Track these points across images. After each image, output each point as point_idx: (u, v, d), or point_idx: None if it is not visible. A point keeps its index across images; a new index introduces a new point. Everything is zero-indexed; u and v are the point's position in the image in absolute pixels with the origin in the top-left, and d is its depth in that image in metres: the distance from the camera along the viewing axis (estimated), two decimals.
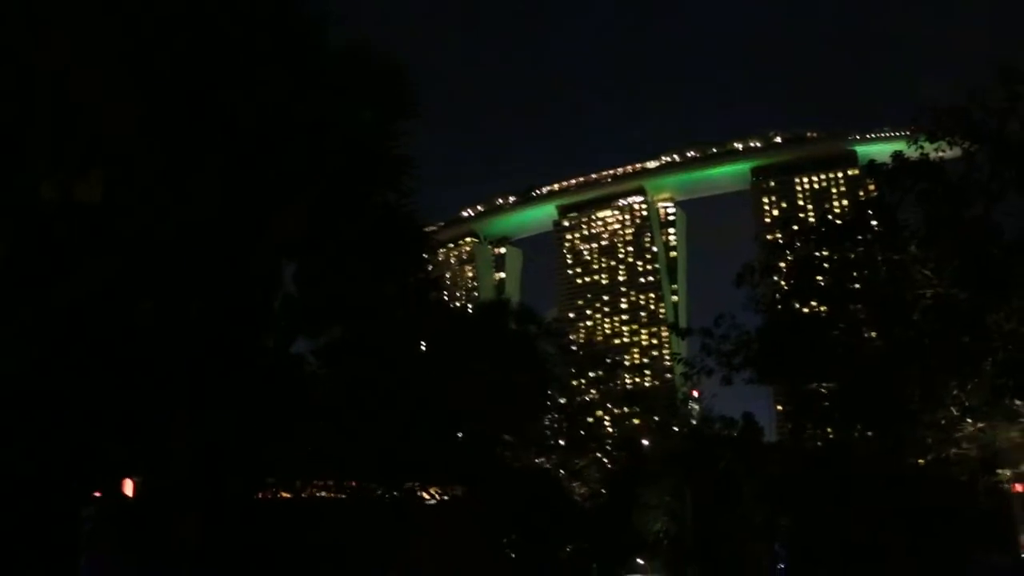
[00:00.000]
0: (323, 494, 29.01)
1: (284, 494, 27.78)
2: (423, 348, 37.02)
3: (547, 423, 64.07)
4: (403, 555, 27.11)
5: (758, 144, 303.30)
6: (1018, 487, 39.51)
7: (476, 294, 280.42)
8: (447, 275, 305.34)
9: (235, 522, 22.58)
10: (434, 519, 33.87)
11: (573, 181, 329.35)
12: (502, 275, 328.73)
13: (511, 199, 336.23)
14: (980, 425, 37.08)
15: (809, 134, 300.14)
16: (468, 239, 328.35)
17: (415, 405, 30.29)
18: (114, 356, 18.69)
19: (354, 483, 29.65)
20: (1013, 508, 40.29)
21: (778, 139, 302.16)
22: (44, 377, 17.47)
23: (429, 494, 36.14)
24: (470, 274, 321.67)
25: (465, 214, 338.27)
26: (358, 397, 28.24)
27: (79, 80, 17.49)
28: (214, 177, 20.21)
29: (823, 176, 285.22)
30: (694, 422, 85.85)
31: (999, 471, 37.71)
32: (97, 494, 20.88)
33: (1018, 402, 34.15)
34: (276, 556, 21.87)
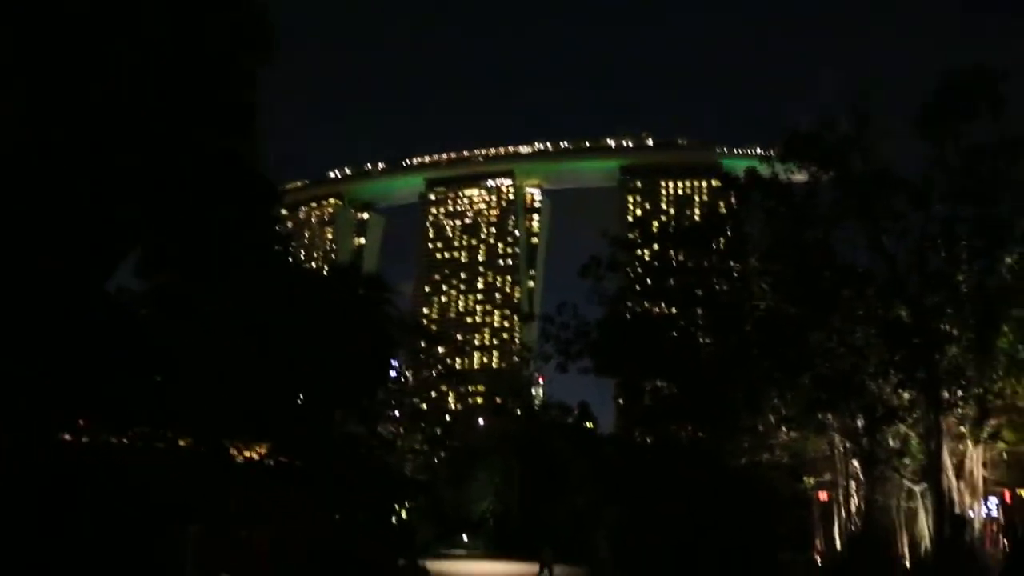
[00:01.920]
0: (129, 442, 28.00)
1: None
2: (262, 303, 36.07)
3: (387, 395, 63.70)
4: (216, 510, 26.49)
5: (630, 143, 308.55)
6: (821, 495, 42.10)
7: (334, 257, 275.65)
8: (306, 234, 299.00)
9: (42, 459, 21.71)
10: (253, 478, 33.20)
11: (444, 156, 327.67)
12: (363, 241, 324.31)
13: (380, 165, 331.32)
14: (793, 435, 39.36)
15: (680, 140, 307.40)
16: (332, 200, 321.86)
17: (246, 361, 29.58)
18: None
19: (170, 434, 28.76)
20: (813, 514, 42.97)
21: (649, 141, 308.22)
22: None
23: (247, 454, 35.37)
24: (330, 237, 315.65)
25: (332, 175, 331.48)
26: (187, 347, 27.35)
27: None
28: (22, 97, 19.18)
29: (688, 183, 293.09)
30: (536, 406, 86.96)
31: (805, 478, 40.00)
32: None
33: (829, 416, 36.27)
34: (79, 498, 21.09)
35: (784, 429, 39.30)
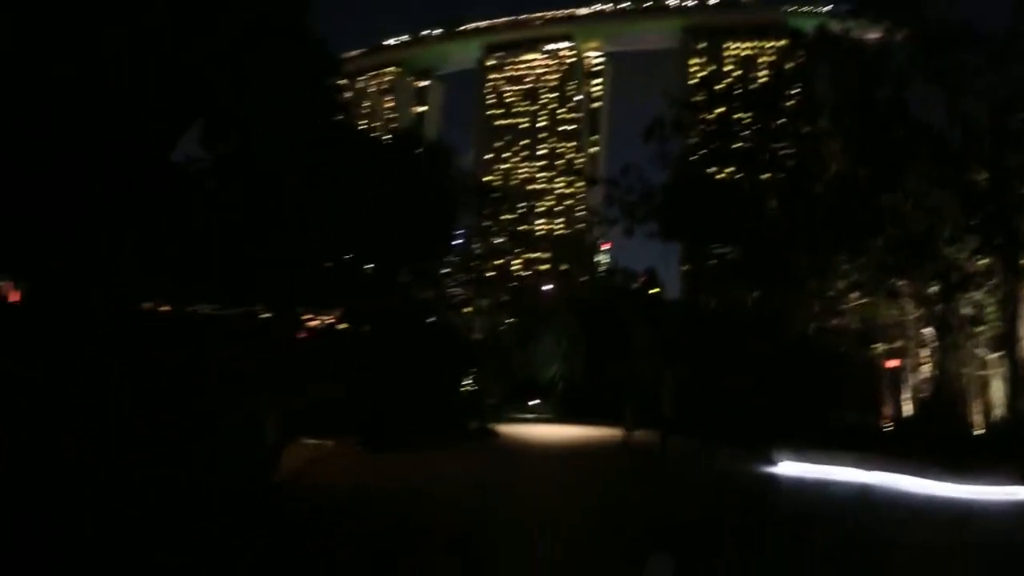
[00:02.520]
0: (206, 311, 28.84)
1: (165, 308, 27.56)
2: (328, 170, 36.29)
3: (453, 259, 64.16)
4: (286, 376, 27.41)
5: (691, 3, 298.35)
6: (889, 363, 41.72)
7: (395, 126, 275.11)
8: (366, 104, 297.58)
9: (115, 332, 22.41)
10: (320, 344, 34.15)
11: (502, 20, 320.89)
12: (423, 108, 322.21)
13: (436, 31, 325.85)
14: (863, 300, 38.74)
15: None
16: (391, 69, 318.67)
17: (310, 228, 29.93)
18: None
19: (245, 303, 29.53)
20: (882, 380, 42.67)
21: (712, 0, 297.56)
22: None
23: (319, 320, 36.24)
24: (390, 105, 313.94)
25: (389, 42, 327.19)
26: (250, 215, 27.67)
27: None
28: None
29: (753, 44, 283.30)
30: (601, 271, 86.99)
31: (874, 346, 39.56)
32: None
33: (900, 281, 35.62)
34: (155, 367, 21.93)
35: (854, 294, 38.70)
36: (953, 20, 32.47)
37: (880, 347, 40.70)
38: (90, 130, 20.57)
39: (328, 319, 37.77)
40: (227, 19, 22.08)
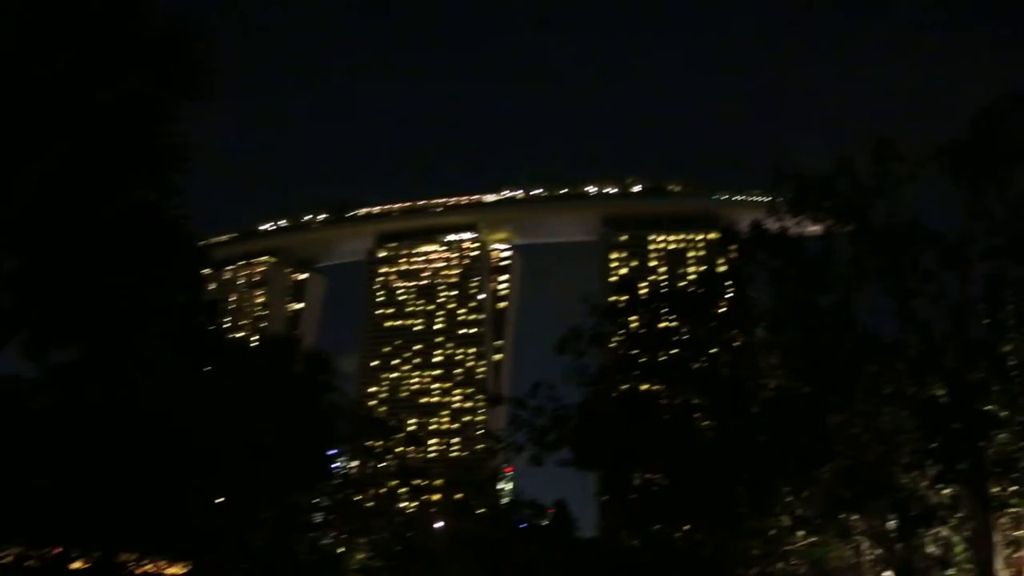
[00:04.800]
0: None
1: None
2: (182, 383, 35.31)
3: (327, 494, 62.65)
4: None
5: (613, 190, 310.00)
6: None
7: (265, 325, 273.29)
8: (232, 298, 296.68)
9: None
10: None
11: (397, 206, 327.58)
12: (300, 306, 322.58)
13: (321, 217, 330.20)
14: (811, 539, 38.70)
15: (671, 186, 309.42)
16: (264, 258, 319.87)
17: (156, 456, 28.74)
18: None
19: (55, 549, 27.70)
20: None
21: (637, 187, 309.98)
22: None
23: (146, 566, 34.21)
24: (261, 300, 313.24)
25: (265, 227, 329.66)
26: (88, 441, 26.53)
27: None
28: None
29: (680, 237, 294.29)
30: (503, 503, 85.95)
31: None
32: None
33: (853, 516, 35.71)
34: None
35: (800, 532, 38.67)
36: (900, 217, 34.06)
37: None
38: None
39: (172, 570, 35.69)
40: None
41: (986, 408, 32.73)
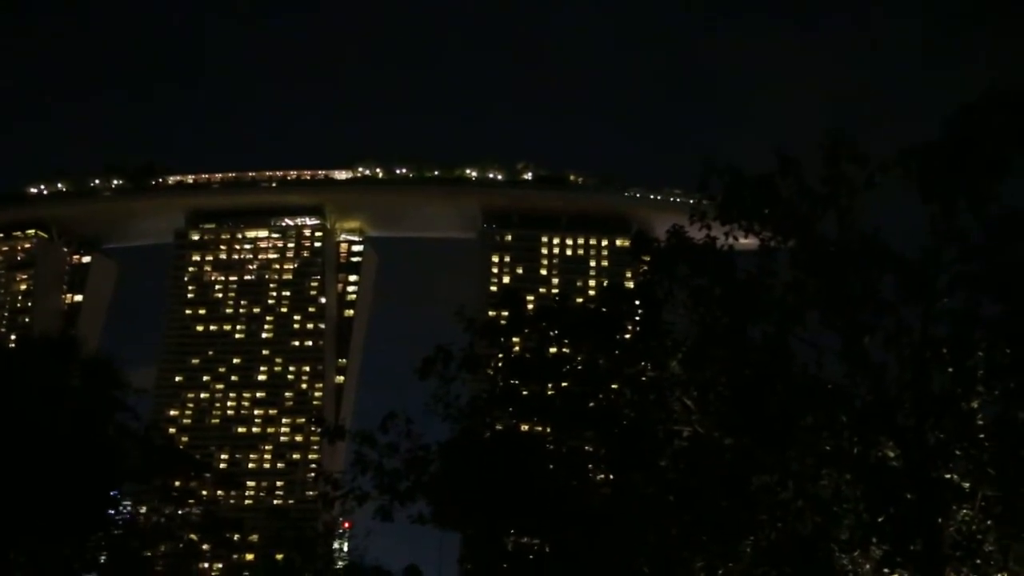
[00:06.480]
0: None
1: None
2: None
3: (104, 542, 61.58)
4: None
5: (499, 176, 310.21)
6: None
7: (28, 320, 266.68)
8: None
9: None
10: None
11: (218, 176, 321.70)
12: (79, 298, 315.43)
13: (115, 182, 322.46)
14: None
15: (573, 176, 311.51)
16: (31, 232, 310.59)
17: None
18: None
19: None
20: None
21: (528, 174, 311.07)
22: None
23: None
24: (25, 287, 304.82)
25: (34, 191, 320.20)
26: None
27: None
28: None
29: (583, 240, 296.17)
30: (337, 567, 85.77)
31: None
32: None
33: None
34: None
35: None
36: (854, 233, 34.70)
37: None
38: None
39: None
40: None
41: (947, 476, 33.62)
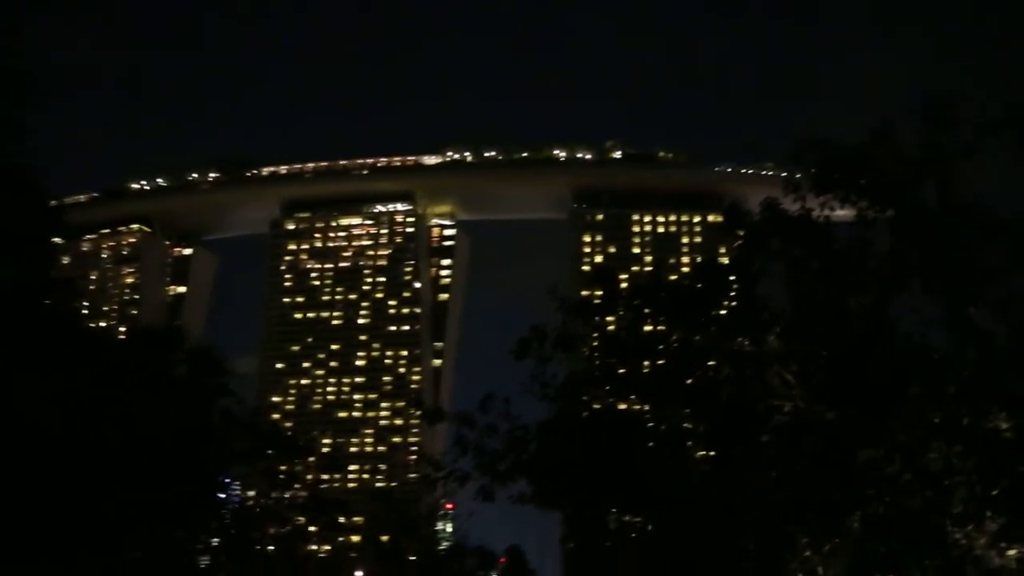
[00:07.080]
0: None
1: None
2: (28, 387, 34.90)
3: (215, 527, 62.36)
4: None
5: (588, 156, 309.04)
6: None
7: (136, 312, 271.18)
8: (92, 275, 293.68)
9: None
10: None
11: (311, 165, 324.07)
12: (182, 289, 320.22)
13: (212, 176, 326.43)
14: None
15: (662, 153, 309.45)
16: (135, 227, 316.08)
17: None
18: None
19: None
20: None
21: (617, 153, 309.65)
22: None
23: None
24: (131, 280, 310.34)
25: (137, 187, 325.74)
26: None
27: None
28: None
29: (674, 217, 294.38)
30: (441, 548, 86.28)
31: None
32: None
33: None
34: None
35: None
36: (955, 201, 33.84)
37: None
38: None
39: None
40: None
41: None
